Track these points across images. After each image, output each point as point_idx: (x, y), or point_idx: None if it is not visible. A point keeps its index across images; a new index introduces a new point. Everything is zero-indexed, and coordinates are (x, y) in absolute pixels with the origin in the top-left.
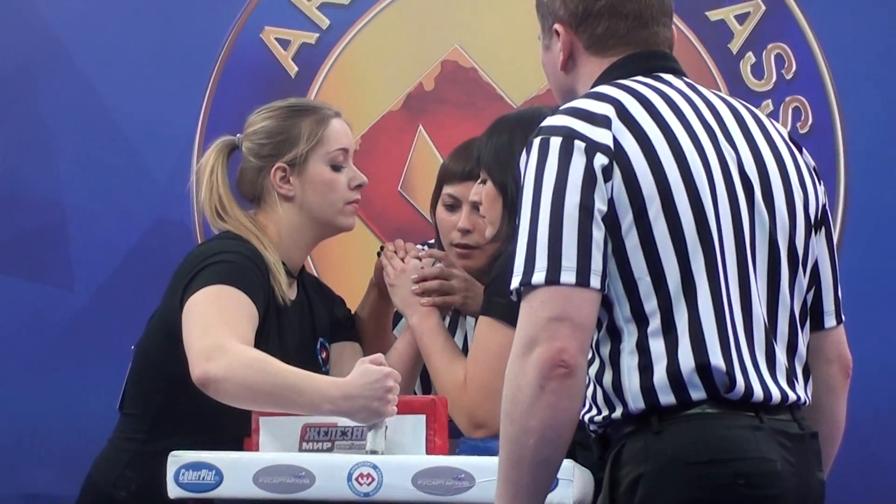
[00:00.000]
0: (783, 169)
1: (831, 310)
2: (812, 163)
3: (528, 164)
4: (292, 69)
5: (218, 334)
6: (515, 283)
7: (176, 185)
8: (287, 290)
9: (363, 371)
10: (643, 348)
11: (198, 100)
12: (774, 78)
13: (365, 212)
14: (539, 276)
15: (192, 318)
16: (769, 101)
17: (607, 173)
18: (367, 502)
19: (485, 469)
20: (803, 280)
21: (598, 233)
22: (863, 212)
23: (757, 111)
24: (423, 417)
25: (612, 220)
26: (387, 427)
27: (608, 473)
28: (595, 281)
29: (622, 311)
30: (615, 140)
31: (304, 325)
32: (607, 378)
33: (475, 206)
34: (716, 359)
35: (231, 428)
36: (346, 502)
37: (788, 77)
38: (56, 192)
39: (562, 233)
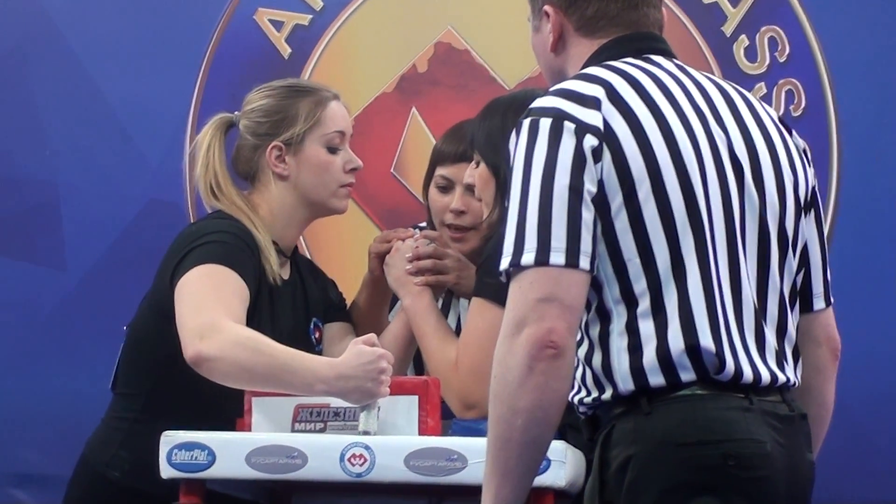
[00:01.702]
0: (773, 151)
1: (820, 292)
2: (802, 144)
3: (517, 146)
4: (285, 50)
5: (211, 313)
6: (505, 264)
7: (168, 166)
8: (279, 270)
9: (356, 352)
10: (633, 329)
11: (191, 80)
12: (768, 61)
13: (358, 193)
14: (528, 257)
15: (184, 297)
16: (762, 83)
17: (597, 155)
18: (359, 483)
19: (477, 450)
20: (793, 262)
21: (588, 214)
22: (856, 194)
23: (747, 93)
24: (415, 398)
25: (601, 201)
26: (379, 408)
27: (598, 455)
28: (584, 262)
29: (611, 292)
30: (605, 121)
31: (297, 304)
32: (597, 359)
33: (468, 188)
34: (706, 340)
35: (225, 408)
36: (339, 483)
37: (782, 60)
38: (48, 173)
39: (551, 214)
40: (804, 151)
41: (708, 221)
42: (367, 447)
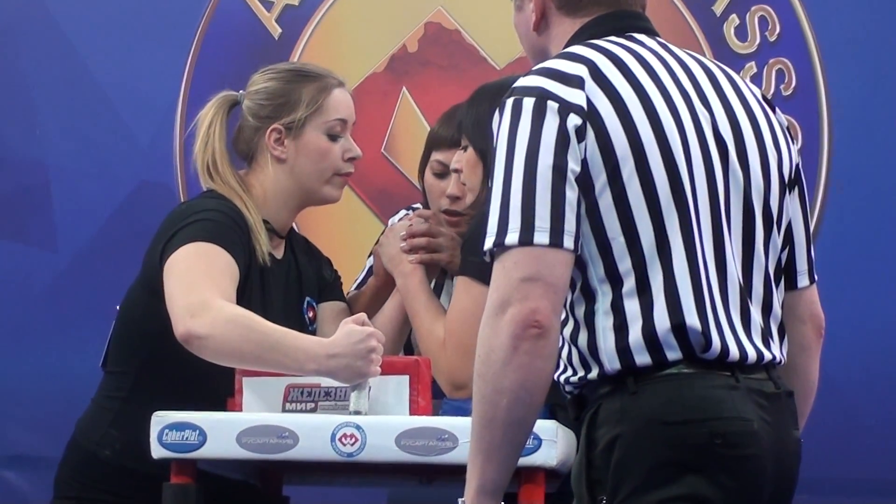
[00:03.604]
0: (757, 129)
1: (804, 269)
2: (785, 122)
3: (500, 125)
4: (276, 31)
5: (201, 291)
6: (489, 243)
7: (159, 147)
8: (269, 250)
9: (347, 331)
10: (618, 309)
11: (181, 61)
12: (758, 40)
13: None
14: (512, 237)
15: (174, 274)
16: (753, 63)
17: (580, 133)
18: (350, 462)
19: (468, 430)
20: (778, 239)
21: (572, 193)
22: (846, 173)
23: (730, 71)
24: (406, 378)
25: (585, 180)
26: (370, 388)
27: (584, 434)
28: (568, 241)
29: (596, 271)
30: (588, 100)
31: (290, 284)
32: (582, 339)
33: (456, 173)
34: (691, 319)
35: (216, 387)
36: (330, 462)
37: (772, 39)
38: (39, 153)
39: (535, 194)
40: (787, 129)
41: (692, 200)
42: (358, 427)
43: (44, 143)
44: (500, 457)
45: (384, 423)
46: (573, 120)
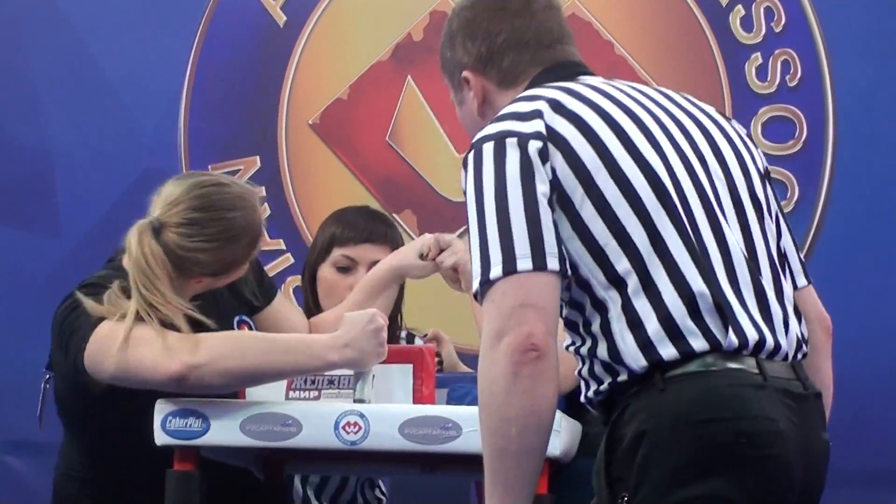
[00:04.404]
0: (722, 129)
1: (799, 269)
2: (743, 131)
3: (466, 178)
4: (281, 19)
5: (165, 334)
6: (476, 285)
7: (163, 134)
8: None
9: (351, 318)
10: (629, 309)
11: (186, 49)
12: (764, 31)
13: (353, 162)
14: (496, 270)
15: (114, 350)
16: (758, 53)
17: (543, 155)
18: (353, 451)
19: (472, 418)
20: (771, 225)
21: (546, 215)
22: (852, 164)
23: (680, 92)
24: (410, 367)
25: (562, 197)
26: (374, 376)
27: (608, 431)
28: (552, 262)
29: (599, 281)
30: (548, 126)
31: (215, 312)
32: (602, 350)
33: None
34: (702, 294)
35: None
36: (333, 450)
37: (778, 30)
38: (43, 141)
39: (510, 225)
40: (748, 136)
41: (677, 194)
42: (361, 415)
43: (48, 131)
44: (519, 486)
45: (387, 412)
46: (533, 146)
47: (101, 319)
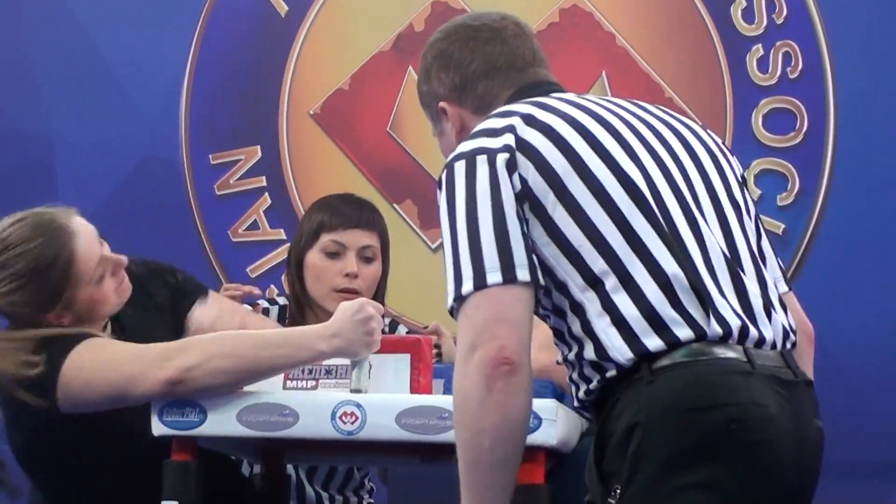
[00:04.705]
0: (695, 133)
1: (779, 276)
2: (720, 140)
3: (441, 196)
4: (282, 8)
5: (148, 348)
6: (450, 302)
7: (164, 122)
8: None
9: (341, 308)
10: (610, 307)
11: (187, 37)
12: (765, 22)
13: (354, 152)
14: (468, 286)
15: (98, 371)
16: (759, 45)
17: (511, 166)
18: (350, 441)
19: None
20: (751, 224)
21: (515, 227)
22: (852, 156)
23: (657, 105)
24: (407, 357)
25: (533, 204)
26: (371, 366)
27: (599, 429)
28: (522, 273)
29: (576, 282)
30: (518, 138)
31: (143, 335)
32: (589, 351)
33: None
34: (682, 286)
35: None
36: (330, 440)
37: (779, 22)
38: (44, 128)
39: (479, 240)
40: (724, 144)
41: (653, 195)
42: (358, 405)
43: (49, 119)
44: (492, 496)
45: (385, 402)
46: (501, 159)
47: (65, 356)
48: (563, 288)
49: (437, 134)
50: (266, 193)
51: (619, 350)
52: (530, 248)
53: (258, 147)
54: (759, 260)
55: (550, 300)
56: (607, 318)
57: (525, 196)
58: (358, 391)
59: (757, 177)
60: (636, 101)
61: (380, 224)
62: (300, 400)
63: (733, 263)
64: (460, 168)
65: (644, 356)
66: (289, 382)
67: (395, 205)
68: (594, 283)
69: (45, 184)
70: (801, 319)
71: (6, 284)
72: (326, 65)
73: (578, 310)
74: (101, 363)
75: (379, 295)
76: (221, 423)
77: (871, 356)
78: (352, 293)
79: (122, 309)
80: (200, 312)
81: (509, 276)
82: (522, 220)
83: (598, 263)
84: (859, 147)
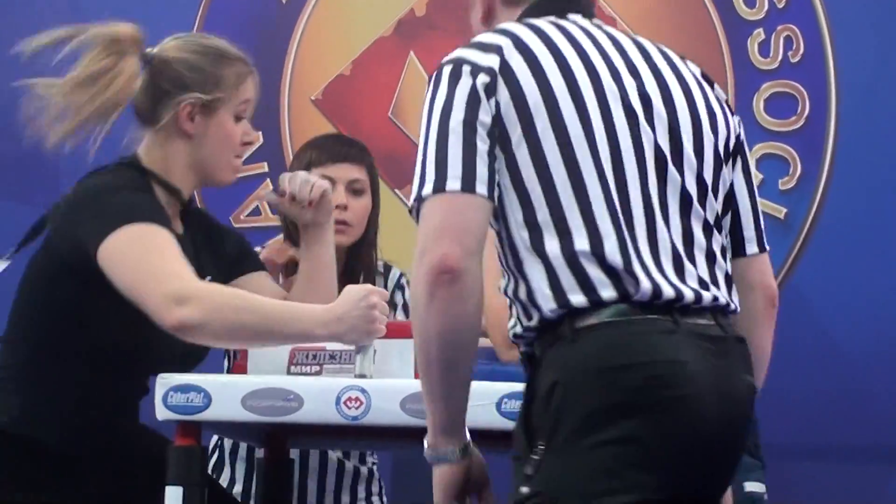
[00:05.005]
0: (691, 103)
1: (752, 237)
2: (724, 96)
3: (426, 97)
4: None
5: (173, 277)
6: (412, 202)
7: None
8: (176, 225)
9: (346, 291)
10: (541, 252)
11: (188, 23)
12: (766, 6)
13: (355, 137)
14: (428, 188)
15: (126, 263)
16: (760, 29)
17: (490, 90)
18: (355, 426)
19: (473, 393)
20: (714, 200)
21: (483, 145)
22: (853, 141)
23: (667, 49)
24: (411, 342)
25: (501, 134)
26: (375, 351)
27: (527, 385)
28: (481, 188)
29: (517, 219)
30: (502, 61)
31: (190, 261)
32: (522, 291)
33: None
34: (613, 253)
35: (142, 363)
36: (335, 425)
37: (780, 6)
38: None
39: (447, 147)
40: (726, 102)
41: (610, 151)
42: (363, 390)
43: None
44: (443, 398)
45: (389, 387)
46: (482, 79)
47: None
48: (505, 220)
49: (471, 5)
50: (268, 179)
51: (545, 296)
52: (493, 168)
53: (260, 133)
54: (713, 233)
55: (497, 224)
56: (540, 264)
57: (496, 123)
58: (362, 376)
59: (758, 161)
60: (643, 45)
61: (368, 159)
62: (305, 385)
63: (677, 233)
64: (447, 72)
65: (568, 310)
66: (293, 367)
67: (396, 190)
68: (533, 227)
69: (46, 171)
70: (764, 280)
71: (184, 47)
72: (327, 50)
73: (515, 247)
74: (134, 262)
75: (370, 231)
76: (226, 407)
77: (875, 339)
78: (342, 224)
79: (194, 233)
80: (258, 280)
81: (469, 186)
82: (494, 140)
83: (542, 212)
84: (861, 131)
